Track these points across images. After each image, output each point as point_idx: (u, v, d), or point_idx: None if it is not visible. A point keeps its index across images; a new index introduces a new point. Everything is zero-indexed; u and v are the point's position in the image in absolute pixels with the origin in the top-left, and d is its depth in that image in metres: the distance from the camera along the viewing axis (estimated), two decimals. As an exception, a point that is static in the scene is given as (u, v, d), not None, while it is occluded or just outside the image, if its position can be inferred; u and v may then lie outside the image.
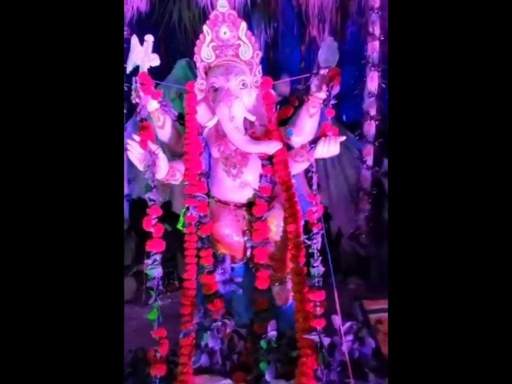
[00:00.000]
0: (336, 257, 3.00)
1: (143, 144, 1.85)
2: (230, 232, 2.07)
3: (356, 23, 3.09)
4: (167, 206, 3.34)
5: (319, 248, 1.83)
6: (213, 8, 3.09)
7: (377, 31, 2.74)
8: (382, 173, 3.02)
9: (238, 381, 1.78)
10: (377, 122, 2.91)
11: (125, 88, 2.74)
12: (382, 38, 2.74)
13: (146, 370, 1.74)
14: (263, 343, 1.83)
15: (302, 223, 1.95)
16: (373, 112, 2.90)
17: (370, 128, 2.92)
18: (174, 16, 2.96)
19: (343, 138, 1.93)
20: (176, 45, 3.04)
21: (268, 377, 1.73)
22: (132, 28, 2.81)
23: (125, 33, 2.84)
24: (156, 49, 2.04)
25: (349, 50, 3.22)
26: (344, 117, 3.40)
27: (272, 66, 3.31)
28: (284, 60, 3.36)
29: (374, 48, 2.77)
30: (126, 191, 3.10)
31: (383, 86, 2.84)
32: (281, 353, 1.81)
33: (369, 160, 2.97)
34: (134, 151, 1.86)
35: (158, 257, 1.81)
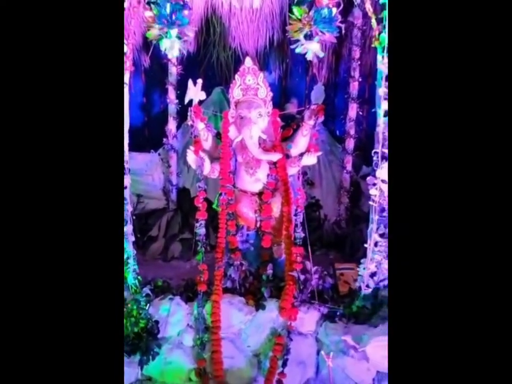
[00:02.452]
0: (321, 236, 3.53)
1: (195, 152, 2.52)
2: (247, 210, 2.65)
3: (347, 62, 3.59)
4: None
5: (301, 221, 2.45)
6: (241, 49, 3.68)
7: (356, 74, 3.35)
8: (359, 176, 3.62)
9: (248, 300, 2.37)
10: (354, 140, 3.49)
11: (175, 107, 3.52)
12: (360, 80, 3.36)
13: (194, 288, 2.40)
14: (264, 277, 2.44)
15: (293, 206, 2.54)
16: (352, 132, 3.48)
17: (350, 144, 3.50)
18: (213, 55, 3.58)
19: (320, 153, 2.57)
20: (214, 76, 3.64)
21: (266, 295, 2.35)
22: (183, 64, 3.48)
23: (178, 69, 3.44)
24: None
25: (342, 83, 3.80)
26: (337, 132, 3.89)
27: (284, 92, 3.92)
28: (293, 87, 3.93)
29: (354, 87, 3.37)
30: (174, 181, 3.63)
31: (360, 113, 3.45)
32: (274, 283, 2.42)
33: (349, 167, 3.56)
34: (190, 157, 2.52)
35: (203, 222, 2.49)
